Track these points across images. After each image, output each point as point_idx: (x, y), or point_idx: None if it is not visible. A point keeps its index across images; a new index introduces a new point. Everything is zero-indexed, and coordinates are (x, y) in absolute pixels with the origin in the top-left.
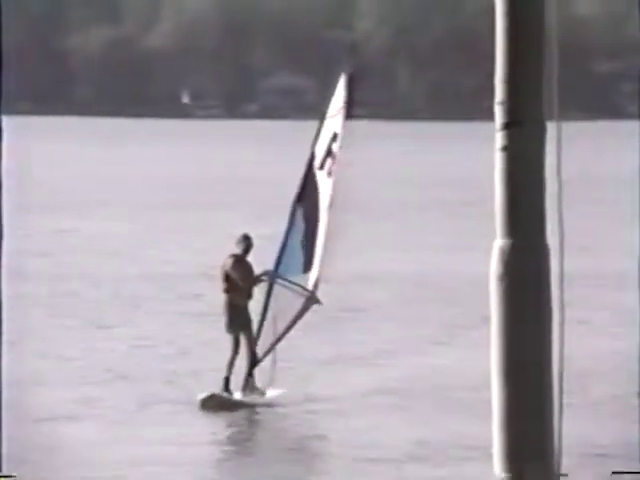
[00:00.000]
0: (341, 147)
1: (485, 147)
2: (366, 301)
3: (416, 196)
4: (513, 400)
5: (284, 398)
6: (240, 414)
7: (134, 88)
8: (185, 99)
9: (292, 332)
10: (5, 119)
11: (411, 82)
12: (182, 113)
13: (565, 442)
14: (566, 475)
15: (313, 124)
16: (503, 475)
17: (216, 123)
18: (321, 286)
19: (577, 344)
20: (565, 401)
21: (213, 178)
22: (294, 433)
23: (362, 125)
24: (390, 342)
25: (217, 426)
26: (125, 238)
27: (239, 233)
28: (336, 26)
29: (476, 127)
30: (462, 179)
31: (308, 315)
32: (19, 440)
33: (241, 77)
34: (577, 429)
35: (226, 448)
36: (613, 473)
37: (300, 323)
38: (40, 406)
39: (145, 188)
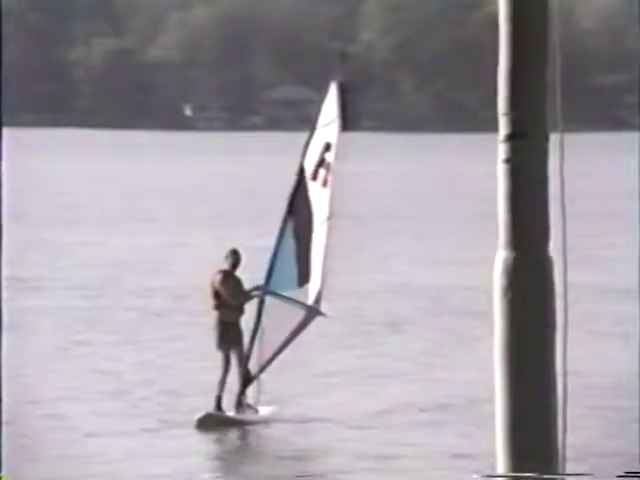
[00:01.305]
0: (337, 157)
1: (490, 159)
2: (386, 314)
3: (429, 209)
4: (517, 410)
5: (280, 415)
6: (234, 432)
7: (136, 100)
8: (188, 111)
9: (312, 346)
10: (7, 131)
11: (414, 93)
12: (185, 125)
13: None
14: (591, 475)
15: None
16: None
17: (220, 135)
18: (339, 299)
19: (587, 355)
20: (575, 412)
21: (220, 190)
22: (291, 449)
23: (366, 137)
24: (409, 356)
25: (210, 444)
26: (148, 252)
27: (254, 246)
28: (339, 38)
29: (479, 139)
30: (470, 191)
31: (327, 329)
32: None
33: (244, 89)
34: (585, 438)
35: (221, 467)
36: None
37: (318, 336)
38: (78, 420)
39: (156, 201)
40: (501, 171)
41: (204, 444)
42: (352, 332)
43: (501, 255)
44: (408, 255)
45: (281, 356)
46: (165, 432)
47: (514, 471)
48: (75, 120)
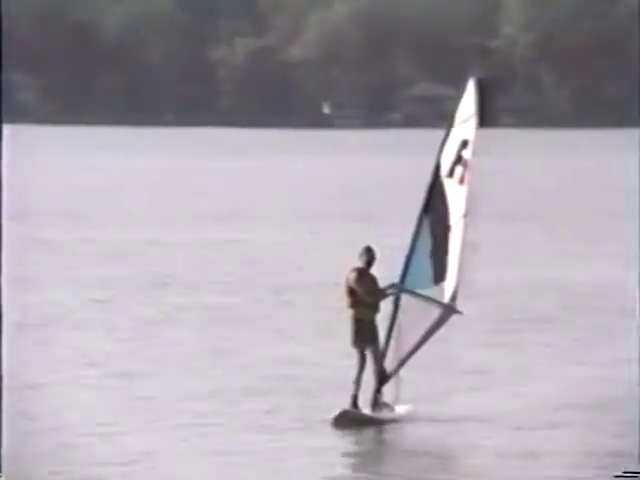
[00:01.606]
0: (475, 154)
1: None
2: (530, 311)
3: (571, 205)
4: None
5: (417, 413)
6: (370, 430)
7: (277, 98)
8: (326, 109)
9: (454, 343)
10: (152, 131)
11: (556, 89)
12: (324, 123)
13: None
14: None
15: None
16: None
17: (358, 133)
18: (482, 296)
19: None
20: None
21: (362, 188)
22: (430, 448)
23: (506, 133)
24: (555, 353)
25: (347, 442)
26: (290, 248)
27: (395, 245)
28: (480, 33)
29: (624, 134)
30: (616, 187)
31: (470, 326)
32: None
33: (383, 86)
34: None
35: (358, 465)
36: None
37: (461, 334)
38: (223, 418)
39: (300, 199)
40: None
41: (341, 442)
42: (496, 329)
43: None
44: (553, 252)
45: (423, 354)
46: (304, 429)
47: None
48: (218, 119)
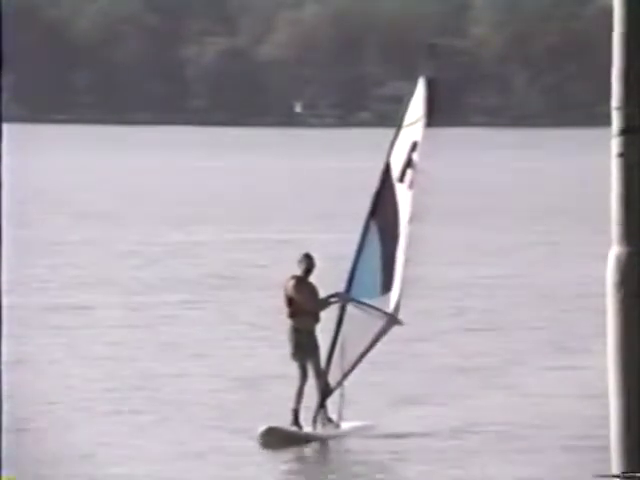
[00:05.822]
0: (422, 157)
1: (604, 154)
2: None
3: (551, 203)
4: (632, 406)
5: (362, 431)
6: (309, 448)
7: (248, 98)
8: (298, 108)
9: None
10: (123, 129)
11: (526, 88)
12: (296, 122)
13: None
14: None
15: (428, 132)
16: (622, 474)
17: (330, 132)
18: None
19: None
20: None
21: (339, 188)
22: (373, 471)
23: (477, 133)
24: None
25: (288, 462)
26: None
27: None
28: (450, 33)
29: (593, 133)
30: (590, 186)
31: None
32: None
33: (354, 86)
34: None
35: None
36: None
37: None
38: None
39: (277, 197)
40: (614, 166)
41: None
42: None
43: (614, 251)
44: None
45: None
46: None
47: (627, 470)
48: (190, 118)
